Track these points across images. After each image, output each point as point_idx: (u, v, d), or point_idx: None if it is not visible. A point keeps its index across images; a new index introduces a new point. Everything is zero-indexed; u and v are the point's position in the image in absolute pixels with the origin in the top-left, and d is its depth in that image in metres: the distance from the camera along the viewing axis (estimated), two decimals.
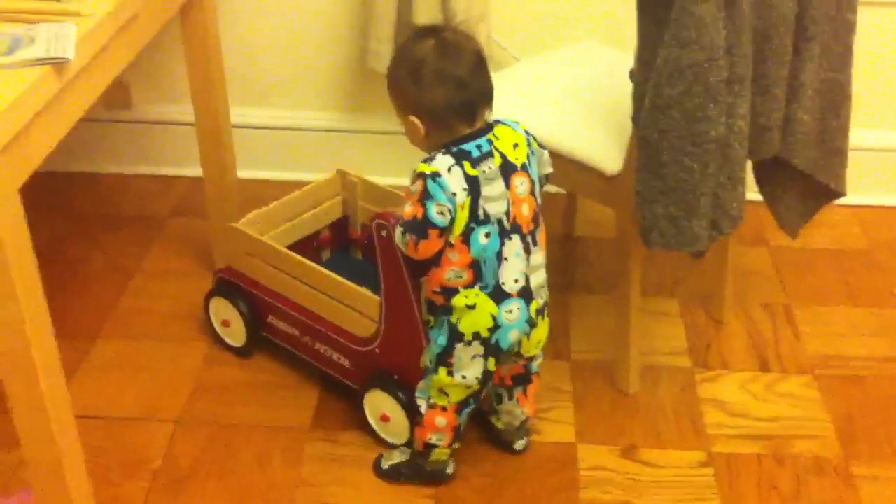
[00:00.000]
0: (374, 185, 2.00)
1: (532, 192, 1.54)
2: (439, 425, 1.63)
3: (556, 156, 1.75)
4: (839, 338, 2.04)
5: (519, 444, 1.77)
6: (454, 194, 1.46)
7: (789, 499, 1.68)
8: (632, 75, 1.59)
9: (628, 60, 1.96)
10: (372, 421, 1.77)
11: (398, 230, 1.52)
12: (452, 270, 1.52)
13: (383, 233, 1.60)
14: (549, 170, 1.61)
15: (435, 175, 1.46)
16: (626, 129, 1.67)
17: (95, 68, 1.38)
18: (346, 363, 1.80)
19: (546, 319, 1.61)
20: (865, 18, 2.15)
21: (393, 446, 1.74)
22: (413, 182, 1.49)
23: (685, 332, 2.05)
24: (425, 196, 1.46)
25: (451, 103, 1.49)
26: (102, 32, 1.37)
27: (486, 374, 1.59)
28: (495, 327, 1.54)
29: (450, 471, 1.69)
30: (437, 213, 1.46)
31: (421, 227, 1.47)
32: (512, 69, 2.00)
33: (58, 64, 1.24)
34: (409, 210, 1.48)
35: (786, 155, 1.72)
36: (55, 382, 1.36)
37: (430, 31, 1.53)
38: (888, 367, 1.96)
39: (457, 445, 1.67)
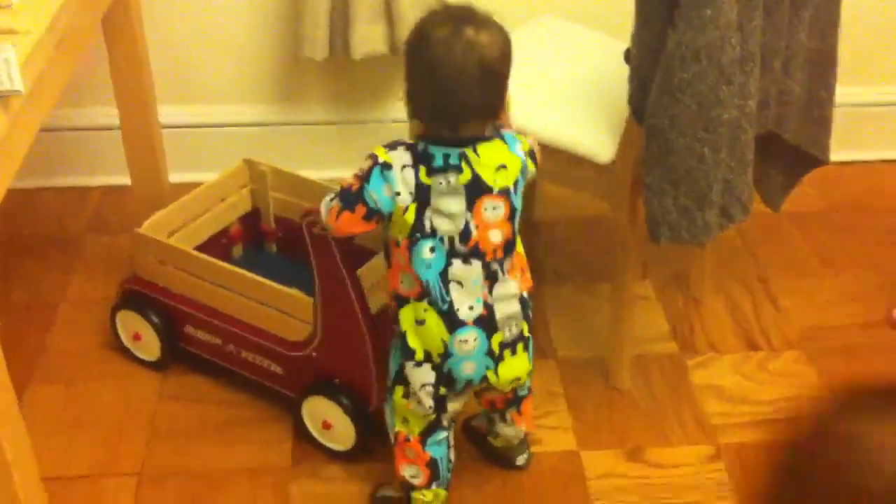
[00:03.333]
0: (286, 174, 1.88)
1: (510, 219, 1.40)
2: (408, 457, 1.49)
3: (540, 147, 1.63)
4: (819, 307, 1.99)
5: (520, 460, 1.65)
6: (397, 194, 1.35)
7: None
8: (627, 57, 1.47)
9: (598, 38, 1.85)
10: (312, 430, 1.65)
11: (327, 197, 1.42)
12: (403, 275, 1.40)
13: (315, 229, 1.48)
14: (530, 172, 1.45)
15: (385, 166, 1.35)
16: (616, 114, 1.56)
17: (40, 93, 1.16)
18: (278, 370, 1.67)
19: (523, 355, 1.44)
20: None
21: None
22: (366, 158, 1.38)
23: (665, 315, 1.96)
24: (366, 178, 1.36)
25: (432, 104, 1.35)
26: (43, 52, 1.16)
27: (440, 402, 1.44)
28: (447, 355, 1.40)
29: None
30: (370, 198, 1.36)
31: (352, 198, 1.37)
32: None
33: (5, 96, 1.03)
34: (349, 180, 1.39)
35: (777, 129, 1.63)
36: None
37: (454, 18, 1.33)
38: (872, 334, 1.93)
39: (441, 491, 1.51)
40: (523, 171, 1.40)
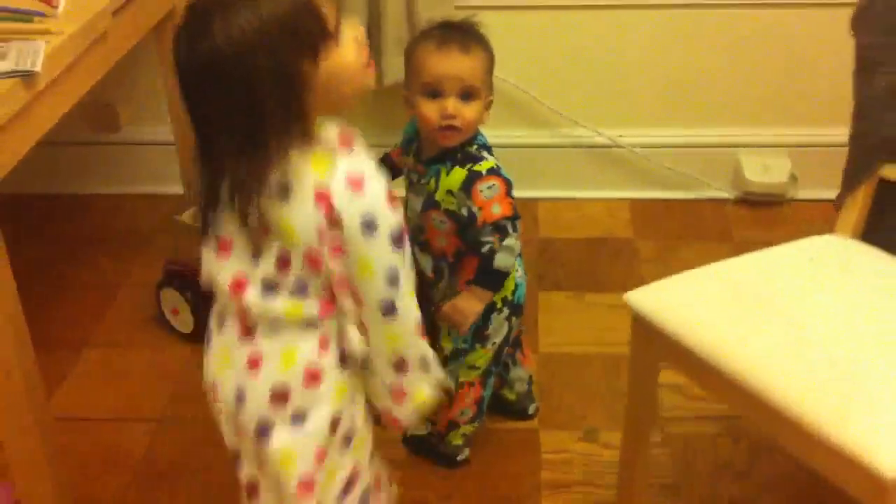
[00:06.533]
0: None
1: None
2: (466, 401, 1.73)
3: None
4: None
5: (531, 409, 1.89)
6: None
7: (742, 475, 1.77)
8: None
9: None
10: None
11: (508, 240, 1.55)
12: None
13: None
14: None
15: (500, 167, 1.58)
16: None
17: (66, 82, 1.48)
18: None
19: None
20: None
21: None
22: (483, 180, 1.55)
23: None
24: (509, 187, 1.57)
25: None
26: (71, 48, 1.48)
27: (509, 334, 1.71)
28: (515, 287, 1.68)
29: (462, 457, 1.78)
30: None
31: (516, 219, 1.57)
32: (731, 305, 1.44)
33: (26, 76, 1.35)
34: (499, 211, 1.54)
35: None
36: (33, 384, 1.44)
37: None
38: None
39: (476, 425, 1.76)
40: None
